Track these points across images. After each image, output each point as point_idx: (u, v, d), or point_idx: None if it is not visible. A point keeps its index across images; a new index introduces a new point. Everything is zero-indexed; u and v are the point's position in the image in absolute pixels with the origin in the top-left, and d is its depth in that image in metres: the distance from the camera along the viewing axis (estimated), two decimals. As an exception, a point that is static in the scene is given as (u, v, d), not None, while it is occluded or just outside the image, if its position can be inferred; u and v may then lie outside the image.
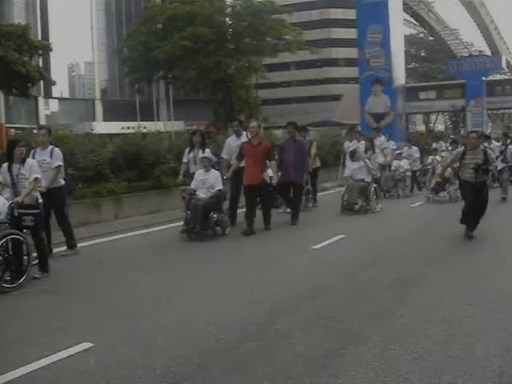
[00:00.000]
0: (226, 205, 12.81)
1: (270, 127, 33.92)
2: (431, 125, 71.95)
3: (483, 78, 56.13)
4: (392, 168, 20.28)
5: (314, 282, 8.06)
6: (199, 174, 12.10)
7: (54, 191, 9.96)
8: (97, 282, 8.47)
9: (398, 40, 32.72)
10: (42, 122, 56.16)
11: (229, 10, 46.10)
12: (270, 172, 12.98)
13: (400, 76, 32.35)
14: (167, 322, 6.32)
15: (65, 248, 10.37)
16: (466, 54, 70.38)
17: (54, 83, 31.20)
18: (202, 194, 11.84)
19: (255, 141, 12.43)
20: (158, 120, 57.31)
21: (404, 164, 20.64)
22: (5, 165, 9.08)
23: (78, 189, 13.52)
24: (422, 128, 72.03)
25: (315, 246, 10.59)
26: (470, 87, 54.58)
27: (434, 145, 24.93)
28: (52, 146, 10.28)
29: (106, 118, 60.35)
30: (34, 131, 36.01)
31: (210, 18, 43.98)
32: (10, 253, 8.12)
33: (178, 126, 49.39)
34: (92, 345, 5.58)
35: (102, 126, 40.45)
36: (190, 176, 12.57)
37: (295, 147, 13.76)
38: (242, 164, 12.85)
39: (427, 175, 21.61)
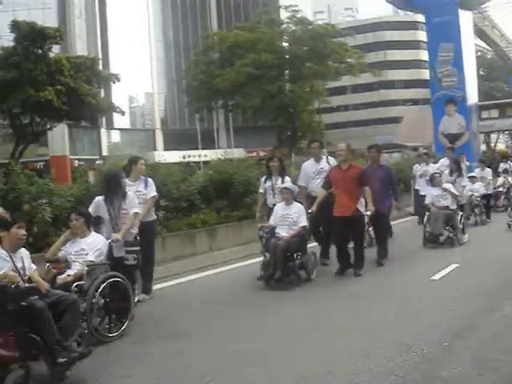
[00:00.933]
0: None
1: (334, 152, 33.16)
2: (492, 144, 70.20)
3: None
4: (467, 192, 17.50)
5: (453, 318, 7.30)
6: (279, 207, 10.51)
7: (147, 226, 9.15)
8: (207, 324, 7.71)
9: (470, 57, 31.80)
10: (105, 152, 56.92)
11: (289, 35, 45.59)
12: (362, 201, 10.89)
13: (473, 94, 31.37)
14: (308, 371, 5.67)
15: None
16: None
17: (123, 113, 31.20)
18: (283, 233, 10.09)
19: (344, 165, 10.65)
20: (219, 148, 57.36)
21: (479, 187, 18.54)
22: (100, 198, 8.50)
23: (172, 221, 12.95)
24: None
25: (433, 277, 9.84)
26: (539, 105, 53.22)
27: (502, 165, 23.40)
28: (144, 177, 9.58)
29: (166, 147, 60.68)
30: (97, 162, 36.08)
31: (271, 43, 43.76)
32: (110, 298, 7.14)
33: (238, 153, 49.14)
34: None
35: (162, 156, 40.35)
36: (266, 210, 11.29)
37: (381, 174, 11.95)
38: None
39: (500, 199, 20.41)
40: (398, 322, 7.30)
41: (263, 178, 11.62)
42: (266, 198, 11.45)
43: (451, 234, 13.63)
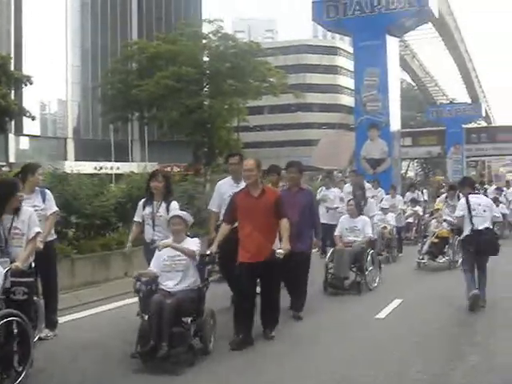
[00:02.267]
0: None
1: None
2: (403, 172, 71.55)
3: (463, 126, 56.08)
4: (375, 222, 14.97)
5: (417, 370, 6.46)
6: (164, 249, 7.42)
7: (47, 247, 7.47)
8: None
9: (395, 84, 31.66)
10: (12, 159, 54.21)
11: (212, 49, 44.74)
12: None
13: (396, 120, 31.18)
14: None
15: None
16: (444, 102, 70.52)
17: (33, 118, 29.37)
18: (172, 285, 7.19)
19: (255, 190, 7.80)
20: (132, 161, 55.80)
21: (390, 218, 16.69)
22: (140, 204, 8.69)
23: (83, 241, 11.45)
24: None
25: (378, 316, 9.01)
26: (450, 134, 54.44)
27: (409, 194, 21.57)
28: (41, 188, 8.01)
29: (78, 158, 58.62)
30: (3, 168, 34.04)
31: (193, 57, 42.87)
32: (4, 343, 5.75)
33: (151, 167, 47.69)
34: None
35: (74, 166, 38.56)
36: (146, 247, 8.47)
37: (302, 200, 9.35)
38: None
39: (412, 231, 19.21)
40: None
41: (141, 202, 8.71)
42: (144, 230, 8.61)
43: (358, 278, 11.25)
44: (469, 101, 70.53)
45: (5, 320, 5.79)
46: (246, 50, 43.44)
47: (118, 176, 29.32)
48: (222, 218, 8.94)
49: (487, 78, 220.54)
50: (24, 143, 59.53)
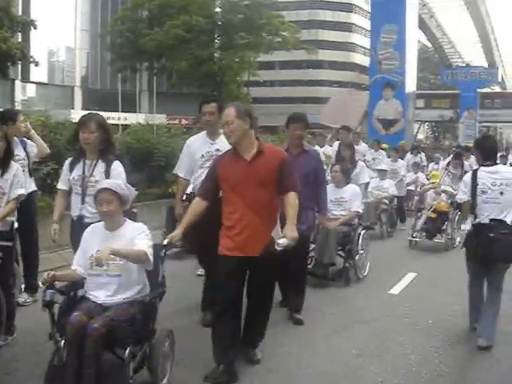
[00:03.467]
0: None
1: (260, 126, 31.62)
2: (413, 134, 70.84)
3: (478, 90, 54.91)
4: (370, 190, 13.28)
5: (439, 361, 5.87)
6: (94, 229, 5.24)
7: (26, 202, 6.51)
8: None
9: (413, 43, 30.74)
10: (18, 106, 53.43)
11: (224, 0, 43.66)
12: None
13: (412, 81, 30.36)
14: None
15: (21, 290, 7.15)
16: (460, 65, 69.22)
17: (37, 64, 28.45)
18: (104, 296, 4.97)
19: (246, 150, 5.47)
20: (140, 112, 55.03)
21: (388, 185, 14.38)
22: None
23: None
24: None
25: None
26: (464, 98, 53.22)
27: (411, 157, 19.49)
28: (21, 138, 7.36)
29: (84, 107, 57.63)
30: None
31: (205, 7, 41.77)
32: None
33: (159, 119, 47.10)
34: None
35: (80, 115, 37.81)
36: (72, 226, 6.11)
37: (306, 166, 7.24)
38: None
39: (413, 200, 16.59)
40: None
41: (67, 162, 6.19)
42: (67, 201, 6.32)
43: (347, 264, 9.08)
44: (485, 65, 69.12)
45: None
46: (260, 2, 42.37)
47: (125, 127, 28.62)
48: (192, 187, 7.30)
49: (506, 43, 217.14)
50: (31, 90, 58.64)
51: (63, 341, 4.63)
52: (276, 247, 5.14)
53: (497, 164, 6.96)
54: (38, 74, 52.35)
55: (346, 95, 69.60)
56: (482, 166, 6.76)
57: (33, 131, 7.72)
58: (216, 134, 6.83)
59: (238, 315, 5.58)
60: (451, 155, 18.53)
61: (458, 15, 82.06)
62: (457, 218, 12.52)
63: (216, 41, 44.79)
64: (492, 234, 6.37)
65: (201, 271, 8.54)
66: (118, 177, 5.87)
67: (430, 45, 78.02)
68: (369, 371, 5.75)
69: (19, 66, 32.28)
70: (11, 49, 23.12)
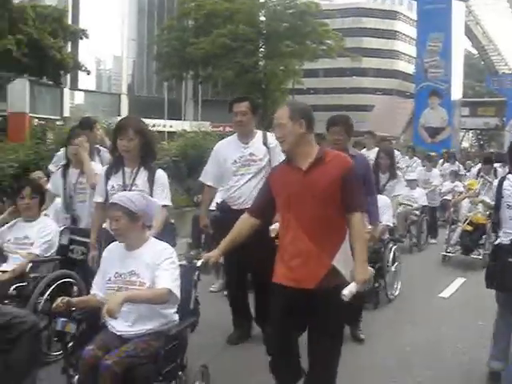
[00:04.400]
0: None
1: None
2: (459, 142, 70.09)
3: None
4: (401, 200, 11.49)
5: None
6: (113, 249, 4.55)
7: None
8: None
9: (459, 50, 30.65)
10: (67, 113, 54.52)
11: (270, 9, 43.95)
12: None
13: (458, 89, 30.24)
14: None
15: None
16: (506, 72, 68.38)
17: (88, 73, 29.14)
18: (123, 326, 4.26)
19: (301, 159, 4.34)
20: (184, 119, 55.64)
21: (418, 195, 13.28)
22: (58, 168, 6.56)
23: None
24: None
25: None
26: (511, 106, 52.66)
27: (448, 166, 18.64)
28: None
29: (131, 114, 58.50)
30: (58, 122, 33.93)
31: (251, 16, 42.14)
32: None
33: (204, 126, 47.60)
34: None
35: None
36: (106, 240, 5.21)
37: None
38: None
39: (449, 210, 13.78)
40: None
41: (103, 172, 5.64)
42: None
43: (376, 284, 7.90)
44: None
45: (60, 281, 5.47)
46: (305, 11, 42.50)
47: (171, 134, 29.10)
48: (220, 196, 6.82)
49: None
50: (79, 98, 59.72)
51: (77, 376, 4.06)
52: (342, 295, 4.09)
53: None
54: (86, 81, 53.31)
55: (390, 103, 69.40)
56: (510, 173, 5.60)
57: (106, 138, 7.70)
58: (249, 136, 6.35)
59: (294, 362, 4.57)
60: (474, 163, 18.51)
61: (504, 22, 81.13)
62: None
63: (261, 49, 45.06)
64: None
65: (213, 287, 8.41)
66: (162, 186, 5.44)
67: (475, 51, 77.20)
68: (421, 366, 5.97)
69: (68, 74, 32.92)
70: (65, 58, 23.77)
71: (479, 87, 70.85)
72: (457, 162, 20.08)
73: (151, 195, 5.16)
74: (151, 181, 5.36)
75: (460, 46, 32.21)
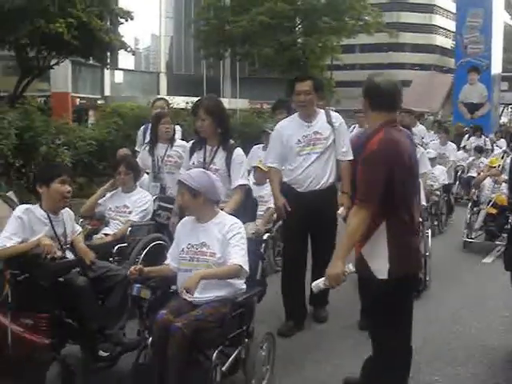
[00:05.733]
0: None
1: (341, 111, 31.82)
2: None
3: None
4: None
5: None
6: (186, 222, 5.02)
7: None
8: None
9: (498, 26, 30.60)
10: (107, 93, 55.43)
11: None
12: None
13: (497, 64, 30.26)
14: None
15: None
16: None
17: (134, 53, 29.86)
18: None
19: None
20: (223, 97, 56.10)
21: (439, 173, 12.38)
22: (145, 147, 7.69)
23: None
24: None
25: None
26: (551, 78, 52.16)
27: (473, 139, 17.47)
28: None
29: (169, 92, 59.00)
30: (99, 101, 34.64)
31: (288, -8, 42.21)
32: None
33: (242, 104, 48.13)
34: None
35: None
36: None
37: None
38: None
39: (472, 187, 12.20)
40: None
41: (188, 147, 6.28)
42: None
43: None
44: None
45: (154, 243, 6.26)
46: (343, -13, 42.41)
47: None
48: (286, 178, 6.43)
49: None
50: (118, 77, 60.50)
51: (150, 339, 4.45)
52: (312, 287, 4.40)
53: None
54: (125, 60, 53.95)
55: (428, 78, 68.93)
56: None
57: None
58: (312, 115, 6.32)
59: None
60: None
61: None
62: None
63: (299, 26, 45.17)
64: None
65: None
66: (239, 165, 5.68)
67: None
68: (466, 332, 6.51)
69: (116, 55, 33.56)
70: (112, 40, 24.41)
71: (519, 61, 69.96)
72: (483, 136, 18.72)
73: (228, 174, 5.63)
74: (229, 160, 5.70)
75: (500, 20, 32.07)
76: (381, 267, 4.07)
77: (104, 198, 6.71)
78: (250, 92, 55.84)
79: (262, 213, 8.50)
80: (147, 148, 7.66)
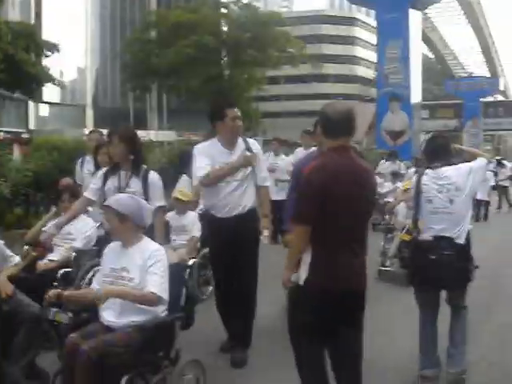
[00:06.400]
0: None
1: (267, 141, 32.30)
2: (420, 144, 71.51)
3: (480, 100, 56.09)
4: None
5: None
6: (113, 246, 4.97)
7: None
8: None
9: (416, 56, 31.95)
10: (32, 126, 54.64)
11: (232, 19, 44.76)
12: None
13: (417, 93, 31.53)
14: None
15: None
16: (462, 75, 70.34)
17: (62, 86, 29.71)
18: (113, 317, 4.64)
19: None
20: (150, 129, 56.07)
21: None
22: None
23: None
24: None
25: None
26: (468, 107, 54.47)
27: (388, 165, 17.74)
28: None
29: (96, 125, 58.70)
30: (23, 135, 33.98)
31: (214, 26, 42.90)
32: None
33: (169, 136, 48.32)
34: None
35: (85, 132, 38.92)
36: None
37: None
38: None
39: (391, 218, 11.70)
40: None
41: (101, 172, 6.24)
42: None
43: None
44: (487, 75, 70.32)
45: (98, 267, 6.18)
46: (266, 21, 43.34)
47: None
48: (204, 202, 6.81)
49: (506, 53, 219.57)
50: (44, 110, 59.73)
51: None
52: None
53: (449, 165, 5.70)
54: (50, 94, 53.40)
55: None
56: (429, 168, 5.74)
57: None
58: (234, 142, 6.38)
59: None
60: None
61: (459, 28, 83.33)
62: None
63: (225, 58, 45.82)
64: (433, 256, 5.38)
65: None
66: (156, 188, 5.85)
67: (432, 56, 79.24)
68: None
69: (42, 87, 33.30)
70: (39, 73, 24.34)
71: (437, 90, 72.77)
72: (397, 161, 18.99)
73: (146, 197, 5.63)
74: (145, 183, 5.80)
75: (418, 51, 33.49)
76: (301, 274, 4.41)
77: (48, 226, 6.84)
78: (177, 123, 56.06)
79: (185, 242, 8.62)
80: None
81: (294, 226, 4.39)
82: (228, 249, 6.20)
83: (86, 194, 6.07)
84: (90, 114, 63.89)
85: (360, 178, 4.47)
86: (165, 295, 4.54)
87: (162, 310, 4.67)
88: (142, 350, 4.40)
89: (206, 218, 6.48)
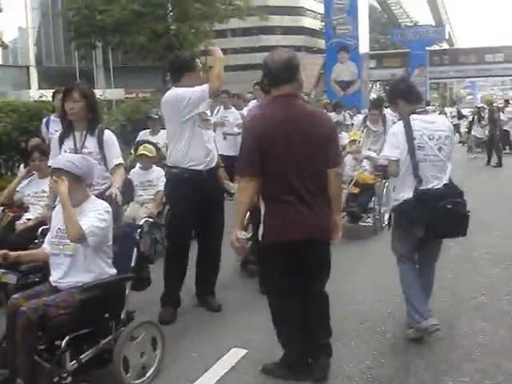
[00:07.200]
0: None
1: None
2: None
3: (426, 48, 56.69)
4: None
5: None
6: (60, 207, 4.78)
7: None
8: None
9: (364, 6, 32.04)
10: (-26, 89, 53.27)
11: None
12: None
13: (365, 43, 31.73)
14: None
15: None
16: (408, 24, 70.77)
17: (6, 47, 28.98)
18: (57, 277, 4.65)
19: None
20: (97, 87, 55.23)
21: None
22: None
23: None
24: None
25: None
26: (414, 56, 55.05)
27: (333, 116, 16.43)
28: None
29: (41, 86, 57.55)
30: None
31: (159, -20, 42.10)
32: None
33: (117, 93, 47.69)
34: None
35: (37, 94, 38.25)
36: None
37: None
38: None
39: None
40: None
41: (56, 137, 6.04)
42: None
43: None
44: (433, 23, 70.87)
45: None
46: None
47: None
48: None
49: (452, 1, 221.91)
50: (-15, 72, 58.35)
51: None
52: None
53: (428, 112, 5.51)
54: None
55: (299, 59, 70.51)
56: (414, 113, 5.37)
57: None
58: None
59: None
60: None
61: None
62: (385, 191, 9.78)
63: (171, 13, 45.18)
64: (441, 206, 5.09)
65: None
66: (112, 146, 5.72)
67: (378, 6, 79.34)
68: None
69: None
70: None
71: (384, 40, 73.14)
72: (343, 112, 19.14)
73: (102, 156, 5.63)
74: (101, 142, 5.65)
75: (365, 2, 33.59)
76: (260, 231, 4.65)
77: (21, 185, 7.01)
78: (125, 81, 55.23)
79: (152, 196, 8.86)
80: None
81: (240, 179, 4.53)
82: (198, 203, 6.24)
83: (50, 162, 5.80)
84: (34, 74, 62.50)
85: (304, 124, 4.49)
86: (91, 239, 4.45)
87: (110, 269, 4.69)
88: (86, 311, 4.34)
89: (174, 173, 6.33)
